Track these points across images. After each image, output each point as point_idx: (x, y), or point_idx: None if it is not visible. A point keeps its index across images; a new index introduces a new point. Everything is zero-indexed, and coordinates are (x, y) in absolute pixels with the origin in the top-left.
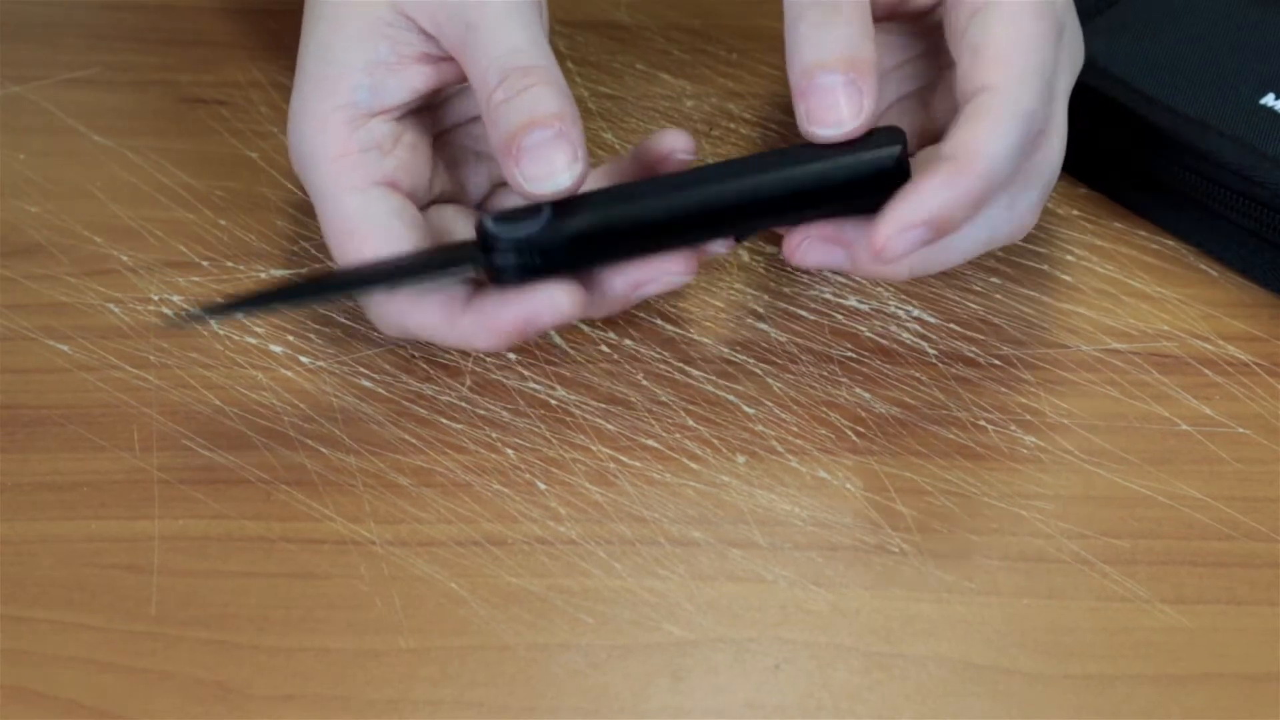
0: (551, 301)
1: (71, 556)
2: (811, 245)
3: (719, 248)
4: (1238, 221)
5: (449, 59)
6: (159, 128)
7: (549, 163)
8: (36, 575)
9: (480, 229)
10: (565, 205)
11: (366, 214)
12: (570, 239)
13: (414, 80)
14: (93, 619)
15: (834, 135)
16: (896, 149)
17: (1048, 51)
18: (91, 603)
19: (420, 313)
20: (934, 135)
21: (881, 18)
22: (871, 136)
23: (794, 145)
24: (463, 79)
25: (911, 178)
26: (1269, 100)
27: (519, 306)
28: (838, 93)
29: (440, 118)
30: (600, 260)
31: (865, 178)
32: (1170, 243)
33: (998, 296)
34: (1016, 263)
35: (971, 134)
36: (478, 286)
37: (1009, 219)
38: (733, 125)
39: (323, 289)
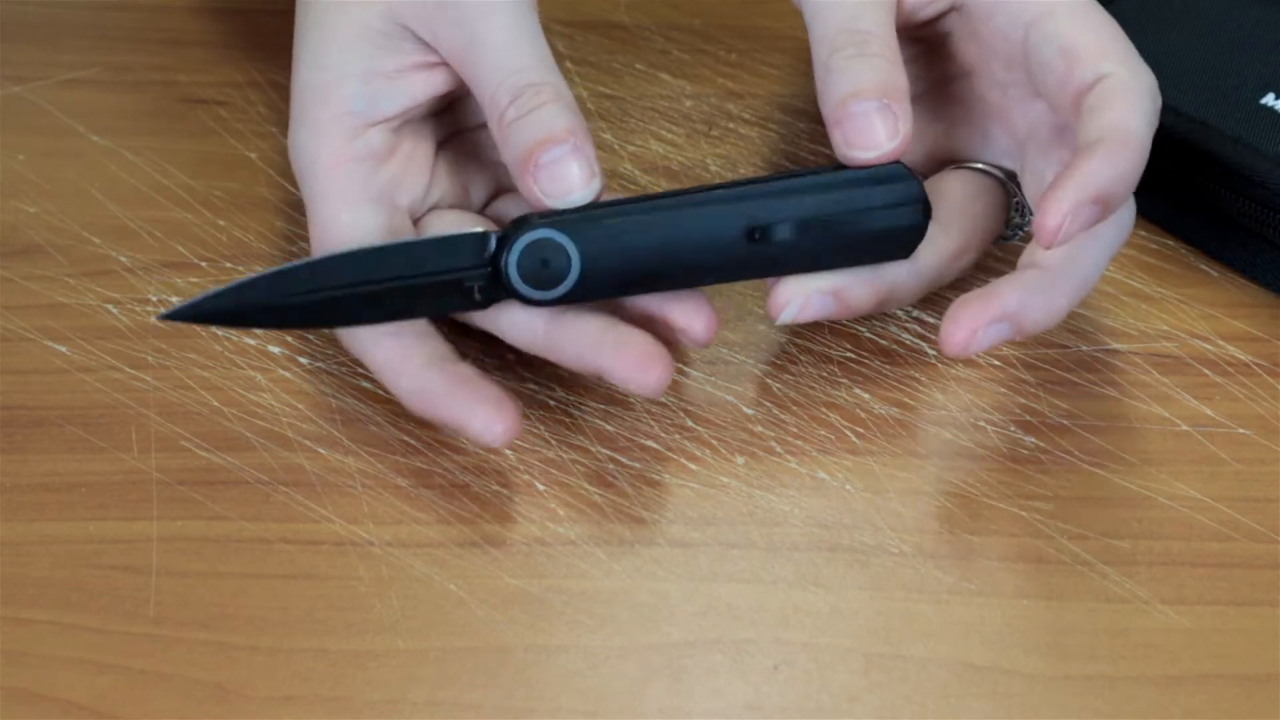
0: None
1: (70, 557)
2: (810, 302)
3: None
4: (1238, 221)
5: (447, 65)
6: (158, 128)
7: (565, 180)
8: (35, 576)
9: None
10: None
11: (356, 229)
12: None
13: (412, 89)
14: (91, 620)
15: (872, 158)
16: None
17: (1126, 37)
18: (90, 604)
19: (379, 350)
20: (943, 151)
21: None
22: (894, 188)
23: (827, 194)
24: (463, 86)
25: (1075, 165)
26: (1269, 100)
27: (448, 408)
28: (873, 118)
29: (443, 124)
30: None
31: (897, 231)
32: (1170, 243)
33: None
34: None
35: (1114, 115)
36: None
37: (1119, 231)
38: (732, 125)
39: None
